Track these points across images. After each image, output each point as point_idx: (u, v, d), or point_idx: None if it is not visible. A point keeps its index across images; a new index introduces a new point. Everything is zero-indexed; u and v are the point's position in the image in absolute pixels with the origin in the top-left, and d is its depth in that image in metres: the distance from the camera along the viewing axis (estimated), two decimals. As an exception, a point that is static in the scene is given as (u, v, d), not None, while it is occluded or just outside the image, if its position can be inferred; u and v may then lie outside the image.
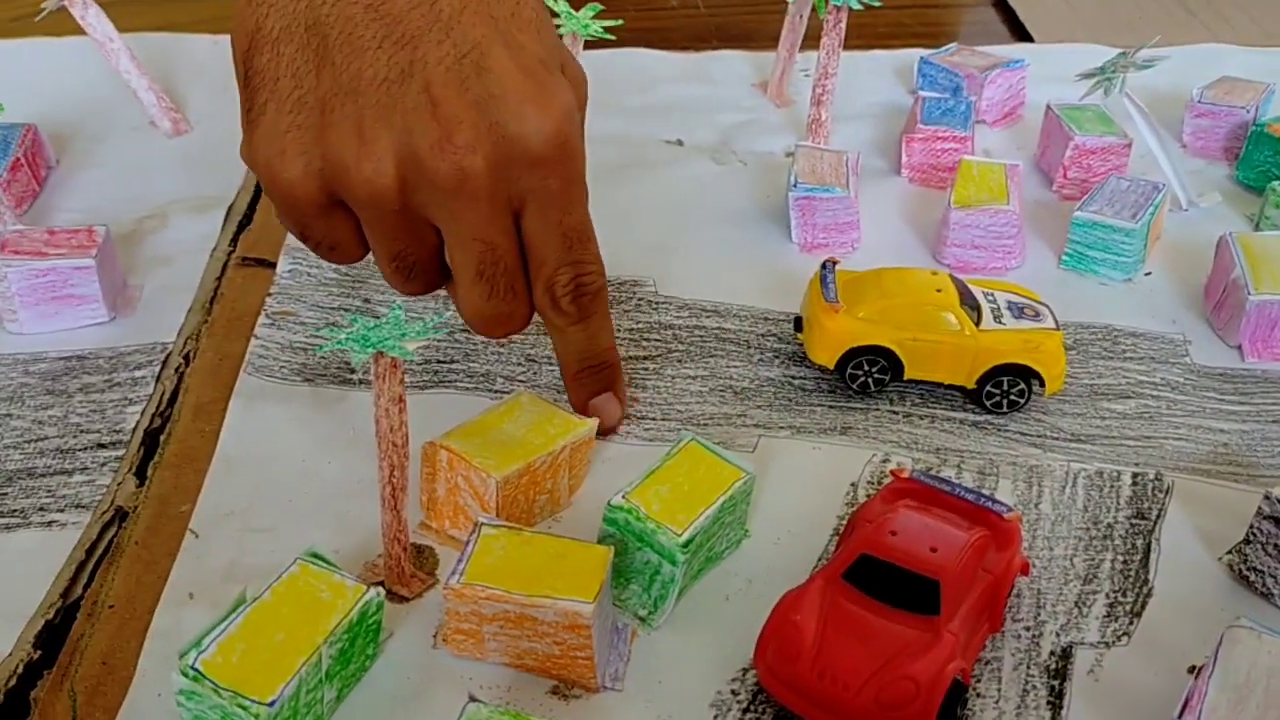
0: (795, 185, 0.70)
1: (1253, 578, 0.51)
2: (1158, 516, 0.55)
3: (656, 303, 0.67)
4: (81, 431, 0.58)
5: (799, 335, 0.62)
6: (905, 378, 0.60)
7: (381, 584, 0.48)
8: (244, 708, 0.41)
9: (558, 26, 0.73)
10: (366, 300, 0.66)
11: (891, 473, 0.52)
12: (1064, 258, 0.71)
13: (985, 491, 0.55)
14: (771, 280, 0.68)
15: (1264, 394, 0.62)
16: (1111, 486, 0.56)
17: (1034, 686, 0.47)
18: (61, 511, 0.54)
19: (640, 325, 0.65)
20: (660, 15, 1.00)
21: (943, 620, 0.45)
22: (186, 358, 0.62)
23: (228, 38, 0.50)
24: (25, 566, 0.51)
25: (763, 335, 0.65)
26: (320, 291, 0.66)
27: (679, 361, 0.63)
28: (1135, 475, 0.57)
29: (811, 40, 0.81)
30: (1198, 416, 0.61)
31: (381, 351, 0.45)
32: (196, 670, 0.41)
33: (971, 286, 0.62)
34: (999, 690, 0.47)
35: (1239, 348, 0.65)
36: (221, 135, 0.74)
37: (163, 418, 0.59)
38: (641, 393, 0.61)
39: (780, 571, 0.51)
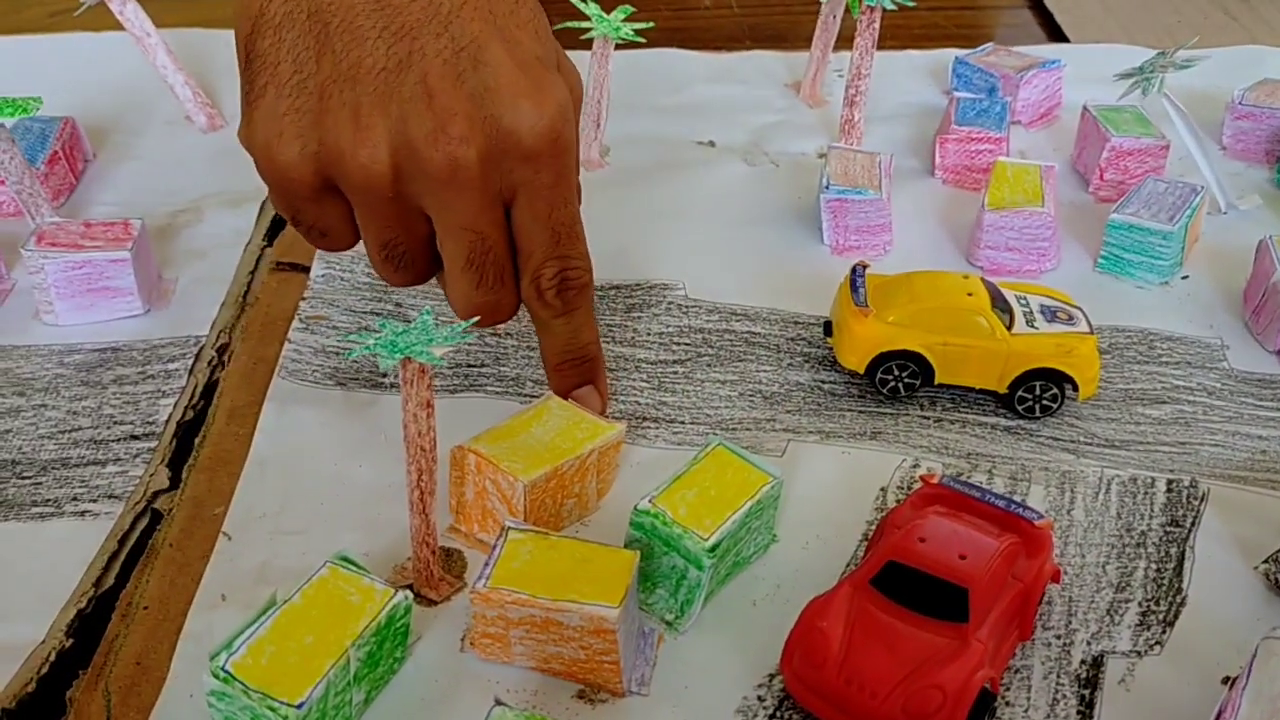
0: (827, 187, 0.70)
1: (1289, 587, 0.51)
2: (1192, 524, 0.54)
3: (687, 307, 0.66)
4: (115, 423, 0.59)
5: (829, 339, 0.62)
6: (936, 382, 0.59)
7: (410, 587, 0.49)
8: (273, 709, 0.41)
9: (588, 30, 0.73)
10: (398, 304, 0.66)
11: (921, 478, 0.51)
12: (1100, 261, 0.70)
13: (1016, 498, 0.54)
14: (802, 283, 0.68)
15: (1303, 399, 0.62)
16: (1146, 493, 0.56)
17: (1064, 695, 0.47)
18: (95, 502, 0.54)
19: (670, 329, 0.65)
20: (693, 16, 1.00)
21: (971, 628, 0.45)
22: (219, 351, 0.63)
23: None
24: (58, 556, 0.52)
25: (793, 339, 0.65)
26: (353, 296, 0.67)
27: (708, 366, 0.63)
28: (1170, 482, 0.56)
29: (845, 40, 0.80)
30: (1235, 423, 0.60)
31: (409, 357, 0.45)
32: (227, 672, 0.42)
33: (1004, 290, 0.61)
34: (1028, 699, 0.47)
35: (1278, 353, 0.64)
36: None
37: (195, 410, 0.60)
38: (671, 397, 0.61)
39: (808, 577, 0.51)
